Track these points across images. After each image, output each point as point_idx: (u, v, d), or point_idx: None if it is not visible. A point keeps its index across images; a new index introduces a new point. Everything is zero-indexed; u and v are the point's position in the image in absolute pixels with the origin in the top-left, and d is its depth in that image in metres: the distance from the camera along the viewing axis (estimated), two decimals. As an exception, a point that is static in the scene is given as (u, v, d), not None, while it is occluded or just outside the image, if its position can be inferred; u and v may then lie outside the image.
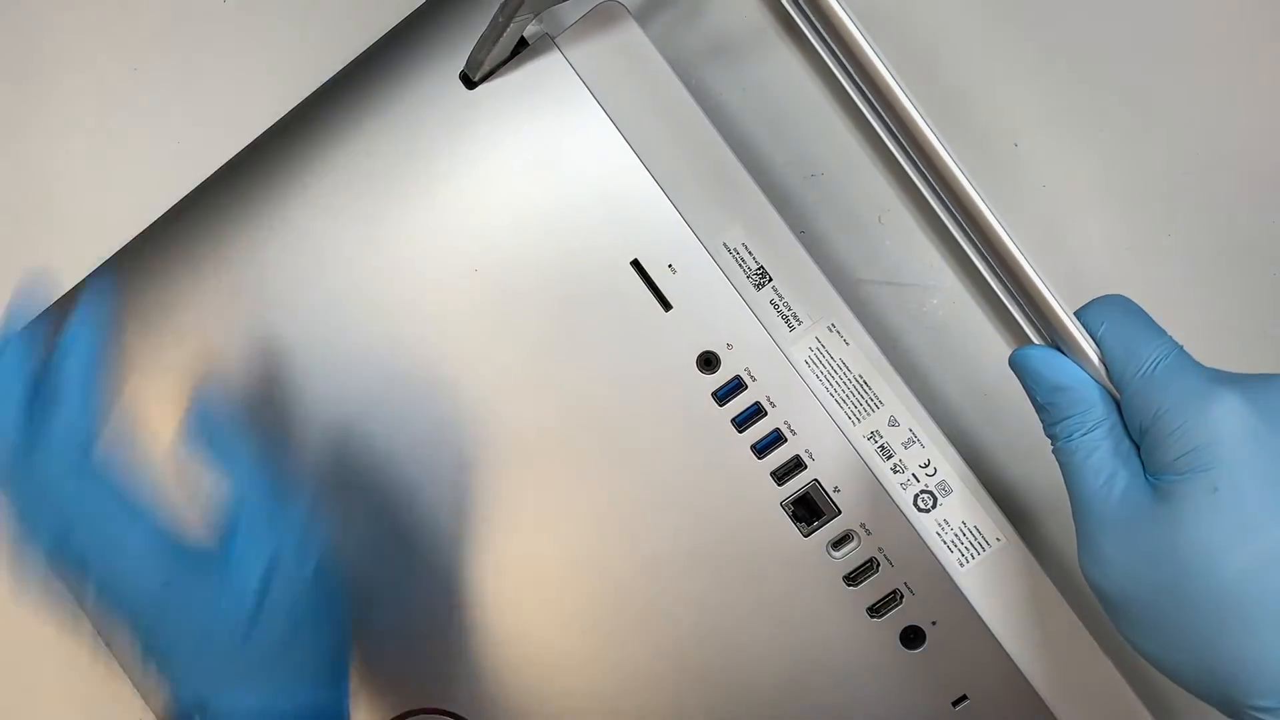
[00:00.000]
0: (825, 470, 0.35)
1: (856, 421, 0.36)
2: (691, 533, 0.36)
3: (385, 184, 0.37)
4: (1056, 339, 0.27)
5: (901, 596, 0.36)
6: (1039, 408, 0.27)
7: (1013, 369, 0.28)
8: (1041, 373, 0.27)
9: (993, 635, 0.35)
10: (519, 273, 0.36)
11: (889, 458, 0.36)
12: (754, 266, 0.36)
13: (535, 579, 0.37)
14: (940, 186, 0.28)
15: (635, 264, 0.36)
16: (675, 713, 0.37)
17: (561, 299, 0.36)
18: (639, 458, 0.36)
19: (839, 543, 0.36)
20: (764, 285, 0.36)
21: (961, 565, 0.36)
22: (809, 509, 0.36)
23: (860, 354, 0.36)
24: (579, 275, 0.36)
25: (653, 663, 0.37)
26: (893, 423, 0.36)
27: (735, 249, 0.36)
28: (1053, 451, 0.27)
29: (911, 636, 0.36)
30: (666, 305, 0.36)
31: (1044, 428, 0.28)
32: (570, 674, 0.37)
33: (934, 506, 0.36)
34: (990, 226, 0.28)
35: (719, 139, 0.36)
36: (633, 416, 0.36)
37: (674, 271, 0.36)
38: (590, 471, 0.36)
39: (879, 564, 0.36)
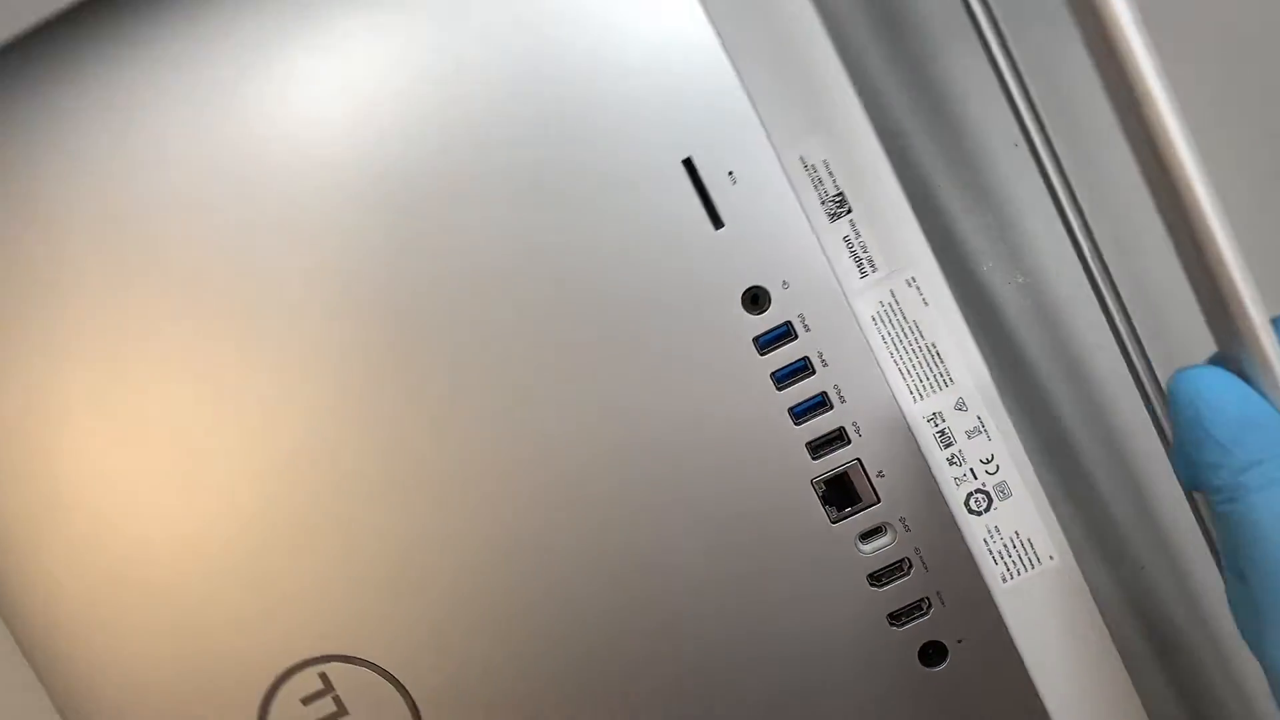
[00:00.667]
0: (871, 449, 0.30)
1: (919, 398, 0.30)
2: (701, 497, 0.30)
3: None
4: (1241, 356, 0.22)
5: (930, 606, 0.30)
6: (1214, 446, 0.21)
7: (1174, 396, 0.22)
8: (1225, 403, 0.21)
9: (1023, 664, 0.30)
10: (536, 149, 0.28)
11: (948, 445, 0.30)
12: (832, 191, 0.29)
13: (506, 524, 0.30)
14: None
15: (688, 164, 0.28)
16: (648, 693, 0.31)
17: (587, 191, 0.29)
18: (653, 400, 0.29)
19: (870, 535, 0.30)
20: (840, 216, 0.29)
21: (1004, 580, 0.30)
22: (843, 492, 0.30)
23: (939, 319, 0.29)
24: (613, 165, 0.28)
25: (630, 635, 0.31)
26: (960, 406, 0.30)
27: (813, 165, 0.29)
28: (1219, 504, 0.21)
29: (932, 652, 0.31)
30: (718, 221, 0.29)
31: (1209, 473, 0.22)
32: (536, 637, 0.31)
33: (987, 509, 0.30)
34: (1189, 186, 0.21)
35: (818, 24, 0.28)
36: (654, 351, 0.29)
37: (734, 181, 0.28)
38: (592, 410, 0.29)
39: (911, 566, 0.30)
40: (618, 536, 0.30)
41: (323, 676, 0.31)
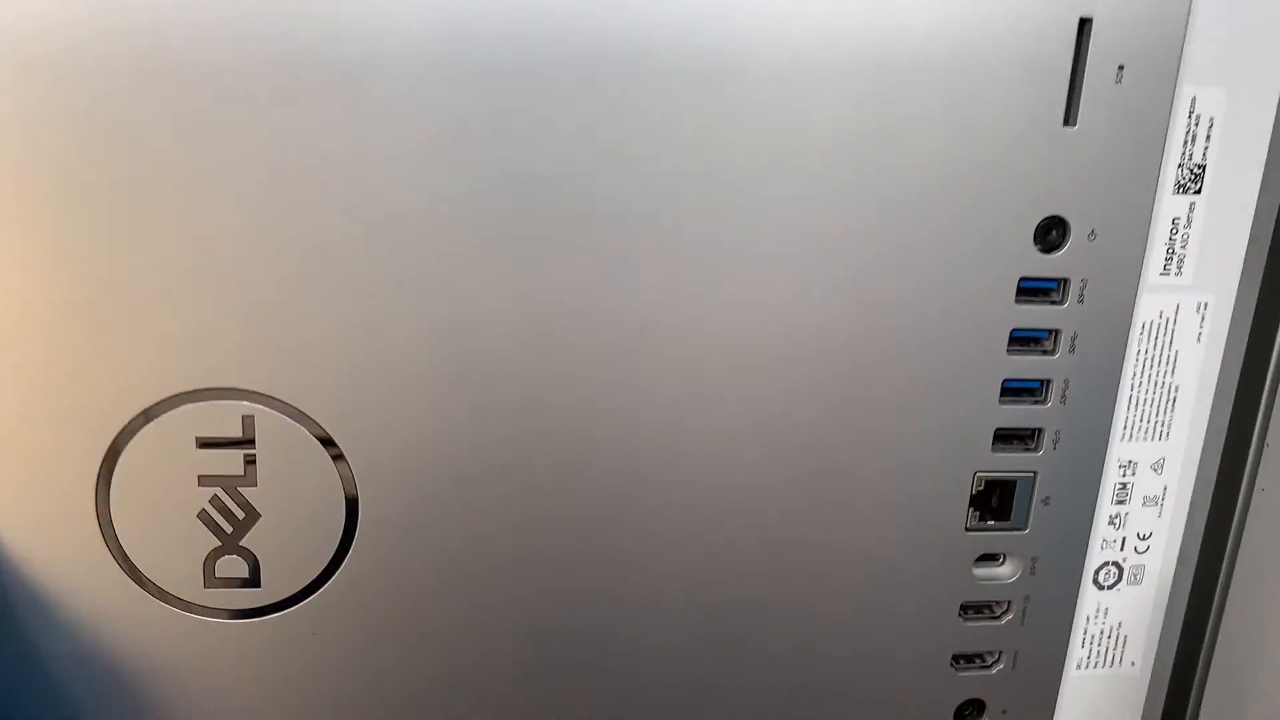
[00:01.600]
0: (1054, 471, 0.24)
1: (1127, 438, 0.24)
2: (849, 435, 0.23)
3: None
4: None
5: (997, 661, 0.25)
6: None
7: None
8: None
9: (1044, 758, 0.26)
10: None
11: (1119, 504, 0.25)
12: (1198, 158, 0.22)
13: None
14: None
15: (1084, 25, 0.21)
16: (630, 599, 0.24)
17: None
18: (869, 289, 0.22)
19: (989, 559, 0.24)
20: (1187, 191, 0.23)
21: (1079, 667, 0.26)
22: (999, 501, 0.24)
23: (1199, 363, 0.24)
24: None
25: (667, 531, 0.23)
26: (1158, 468, 0.24)
27: (1198, 117, 0.22)
28: None
29: (969, 711, 0.26)
30: (1072, 116, 0.21)
31: None
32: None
33: (1112, 586, 0.25)
34: None
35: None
36: (899, 231, 0.21)
37: (1118, 80, 0.21)
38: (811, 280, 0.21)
39: (1008, 613, 0.25)
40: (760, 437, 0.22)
41: (247, 420, 0.21)
